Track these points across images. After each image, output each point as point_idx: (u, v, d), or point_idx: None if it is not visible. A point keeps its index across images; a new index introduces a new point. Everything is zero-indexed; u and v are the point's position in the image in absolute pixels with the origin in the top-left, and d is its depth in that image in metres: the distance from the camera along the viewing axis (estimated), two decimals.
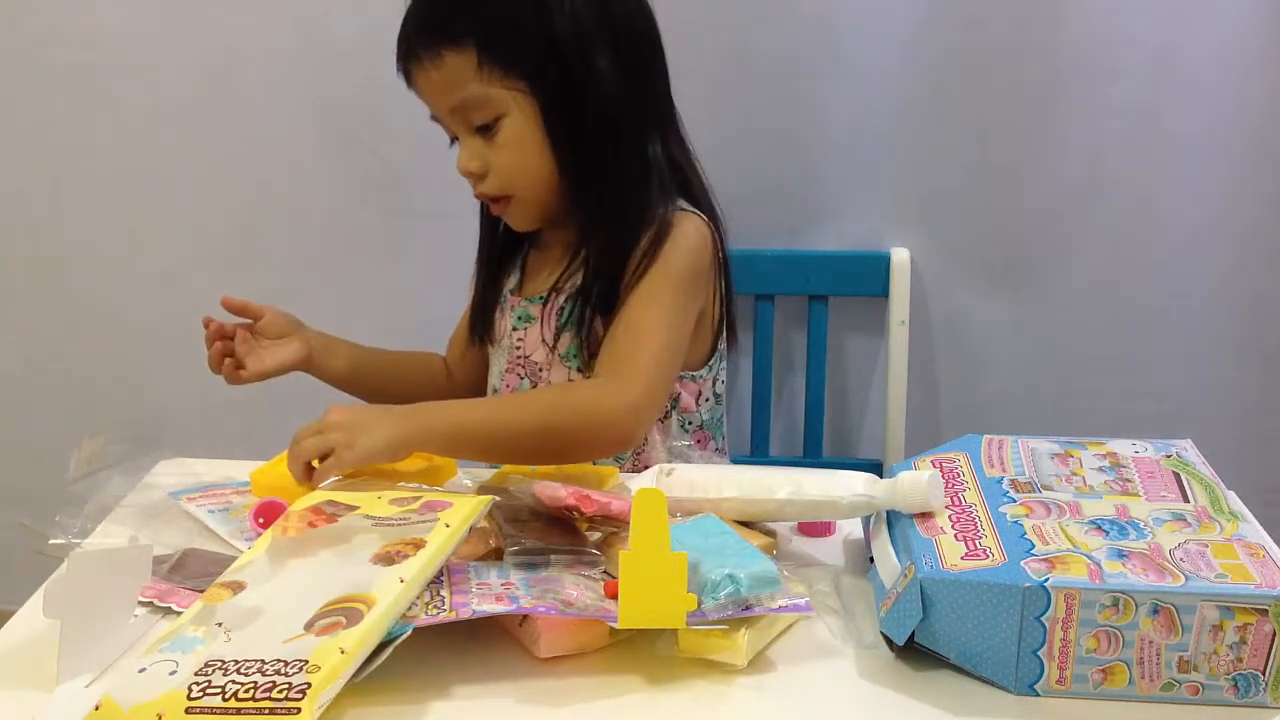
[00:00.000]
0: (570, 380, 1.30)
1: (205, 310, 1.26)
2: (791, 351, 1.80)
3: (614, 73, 1.21)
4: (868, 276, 1.74)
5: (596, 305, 1.26)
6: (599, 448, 1.16)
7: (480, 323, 1.39)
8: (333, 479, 1.05)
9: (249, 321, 1.28)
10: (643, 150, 1.26)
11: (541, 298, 1.32)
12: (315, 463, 1.04)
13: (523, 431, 1.13)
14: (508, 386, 1.35)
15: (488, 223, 1.37)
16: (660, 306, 1.23)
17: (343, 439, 1.03)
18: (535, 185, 1.25)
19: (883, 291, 1.74)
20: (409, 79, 1.24)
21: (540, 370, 1.32)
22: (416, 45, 1.21)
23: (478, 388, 1.42)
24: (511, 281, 1.38)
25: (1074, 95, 1.68)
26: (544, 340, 1.31)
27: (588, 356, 1.28)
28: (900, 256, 1.73)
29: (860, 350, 1.80)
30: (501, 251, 1.38)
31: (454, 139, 1.27)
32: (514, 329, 1.34)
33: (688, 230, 1.27)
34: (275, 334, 1.29)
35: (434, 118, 1.26)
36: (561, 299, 1.29)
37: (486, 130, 1.22)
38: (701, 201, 1.31)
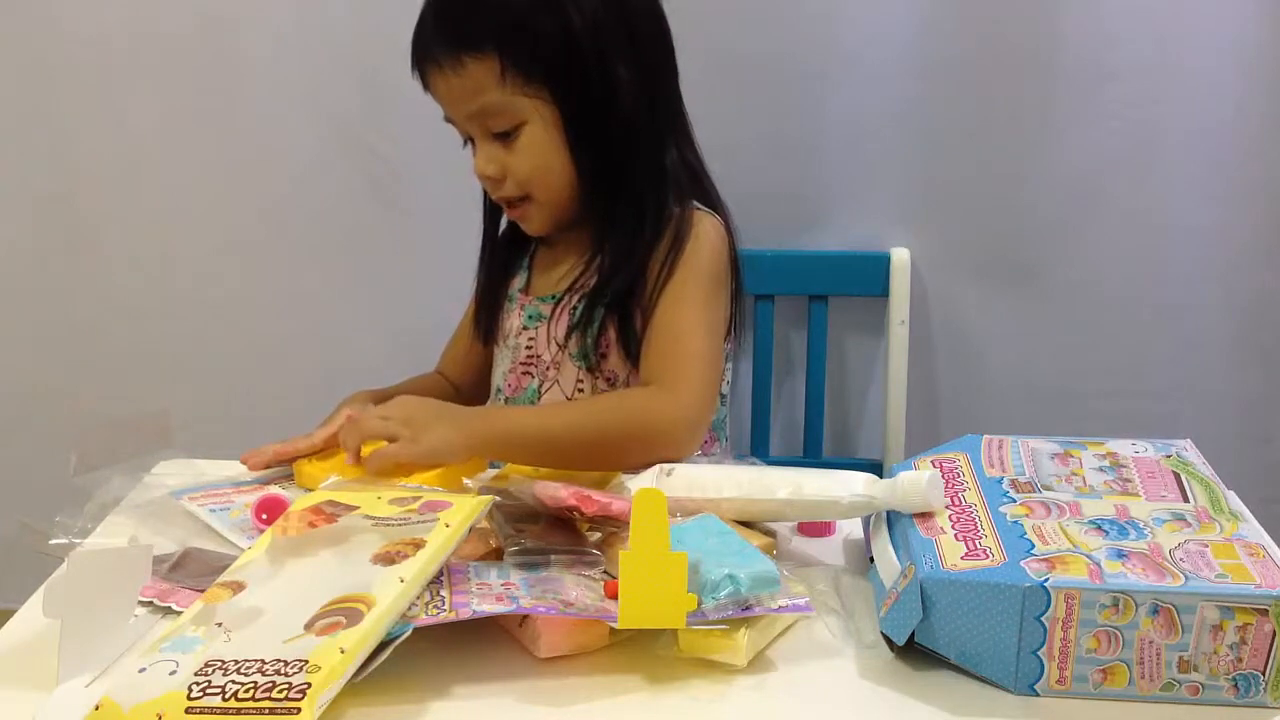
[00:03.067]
0: (579, 381, 1.30)
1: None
2: (791, 351, 1.80)
3: (633, 78, 1.21)
4: (868, 276, 1.74)
5: (611, 306, 1.26)
6: (653, 458, 1.12)
7: (484, 321, 1.38)
8: (334, 478, 1.05)
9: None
10: (660, 154, 1.26)
11: (554, 297, 1.31)
12: (364, 449, 1.09)
13: (577, 440, 1.13)
14: (511, 386, 1.35)
15: (490, 220, 1.37)
16: (696, 308, 1.23)
17: (409, 434, 1.08)
18: (553, 189, 1.25)
19: (883, 291, 1.74)
20: (426, 83, 1.23)
21: (549, 370, 1.32)
22: (436, 51, 1.20)
23: (481, 388, 1.42)
24: (519, 280, 1.37)
25: (1074, 95, 1.67)
26: (554, 339, 1.31)
27: (597, 358, 1.28)
28: (900, 256, 1.73)
29: (860, 350, 1.80)
30: (506, 250, 1.38)
31: (467, 140, 1.26)
32: (525, 328, 1.34)
33: (708, 229, 1.27)
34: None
35: (448, 119, 1.25)
36: (575, 299, 1.29)
37: (505, 136, 1.22)
38: (715, 202, 1.32)
